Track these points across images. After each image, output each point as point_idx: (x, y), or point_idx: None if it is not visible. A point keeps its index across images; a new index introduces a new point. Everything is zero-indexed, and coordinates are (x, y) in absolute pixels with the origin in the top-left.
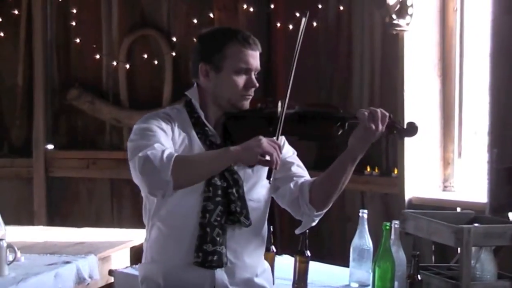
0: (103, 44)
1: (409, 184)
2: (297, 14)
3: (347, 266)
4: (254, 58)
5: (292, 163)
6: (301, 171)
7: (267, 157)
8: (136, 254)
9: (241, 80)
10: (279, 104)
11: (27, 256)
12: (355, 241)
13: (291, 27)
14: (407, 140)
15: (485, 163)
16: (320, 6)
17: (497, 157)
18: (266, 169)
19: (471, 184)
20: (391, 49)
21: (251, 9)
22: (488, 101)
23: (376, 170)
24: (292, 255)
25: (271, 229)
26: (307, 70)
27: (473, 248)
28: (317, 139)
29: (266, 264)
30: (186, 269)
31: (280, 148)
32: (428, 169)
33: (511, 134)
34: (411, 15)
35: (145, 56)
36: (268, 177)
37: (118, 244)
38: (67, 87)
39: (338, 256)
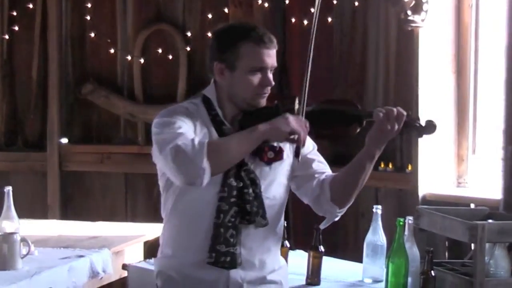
0: (118, 39)
1: (423, 180)
2: (312, 10)
3: (361, 261)
4: (269, 56)
5: (312, 160)
6: (322, 167)
7: (295, 136)
8: (150, 249)
9: (256, 79)
10: (296, 101)
11: (41, 250)
12: (369, 236)
13: (305, 22)
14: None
15: (499, 160)
16: (335, 2)
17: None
18: (284, 166)
19: (485, 181)
20: (406, 46)
21: (266, 5)
22: (503, 98)
23: (390, 166)
24: (305, 250)
25: (285, 224)
26: (322, 66)
27: (487, 245)
28: (334, 138)
29: (283, 261)
30: (200, 267)
31: (307, 126)
32: (442, 165)
33: None
34: (426, 12)
35: (160, 51)
36: (297, 156)
37: (132, 238)
38: (82, 81)
39: (352, 251)
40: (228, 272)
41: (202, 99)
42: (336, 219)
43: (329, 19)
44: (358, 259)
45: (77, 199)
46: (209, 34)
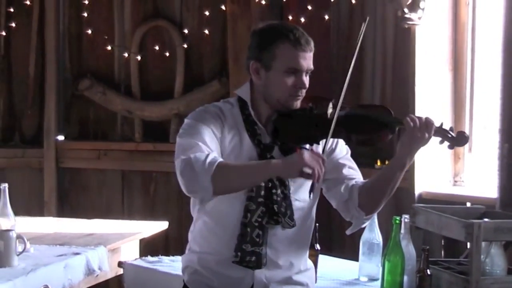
0: (115, 35)
1: (419, 179)
2: (309, 8)
3: (357, 260)
4: (305, 58)
5: (343, 165)
6: (352, 173)
7: (309, 172)
8: (146, 246)
9: (290, 80)
10: (330, 105)
11: (36, 247)
12: (365, 235)
13: (302, 20)
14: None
15: (495, 158)
16: (332, 0)
17: (508, 152)
18: None
19: (482, 179)
20: (403, 43)
21: (264, 2)
22: (499, 96)
23: (387, 164)
24: None
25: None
26: (319, 63)
27: (483, 243)
28: (364, 143)
29: (310, 264)
30: (226, 265)
31: (324, 161)
32: (438, 163)
33: None
34: (423, 9)
35: (157, 47)
36: (310, 191)
37: (128, 235)
38: (79, 77)
39: (348, 249)
40: (253, 271)
41: (238, 98)
42: (363, 225)
43: (326, 17)
44: (354, 257)
45: (74, 196)
46: (206, 31)
